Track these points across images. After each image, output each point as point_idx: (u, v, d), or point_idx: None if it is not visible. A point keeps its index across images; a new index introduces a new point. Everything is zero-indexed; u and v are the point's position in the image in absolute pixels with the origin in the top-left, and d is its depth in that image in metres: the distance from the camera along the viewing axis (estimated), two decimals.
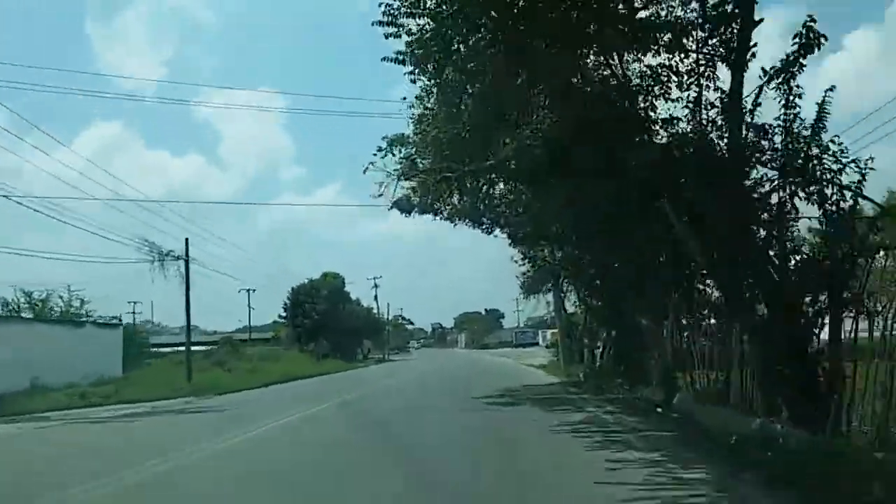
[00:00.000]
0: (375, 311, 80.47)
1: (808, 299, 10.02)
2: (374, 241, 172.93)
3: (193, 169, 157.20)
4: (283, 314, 69.59)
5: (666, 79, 11.98)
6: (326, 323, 66.75)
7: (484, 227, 22.67)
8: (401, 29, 10.93)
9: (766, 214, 10.89)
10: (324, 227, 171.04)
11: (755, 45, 10.65)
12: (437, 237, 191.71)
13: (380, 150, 17.17)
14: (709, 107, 11.43)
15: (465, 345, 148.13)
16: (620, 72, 12.35)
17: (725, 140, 11.10)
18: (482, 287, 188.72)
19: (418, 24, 10.72)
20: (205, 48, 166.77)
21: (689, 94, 11.74)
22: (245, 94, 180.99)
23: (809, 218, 10.27)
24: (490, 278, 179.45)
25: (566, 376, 27.64)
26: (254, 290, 71.38)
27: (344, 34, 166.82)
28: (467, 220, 21.99)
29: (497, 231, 22.86)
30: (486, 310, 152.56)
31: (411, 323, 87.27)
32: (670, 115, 12.06)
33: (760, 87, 10.43)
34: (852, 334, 9.53)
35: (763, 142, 10.62)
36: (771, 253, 10.61)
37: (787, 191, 10.33)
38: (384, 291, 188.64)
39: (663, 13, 11.67)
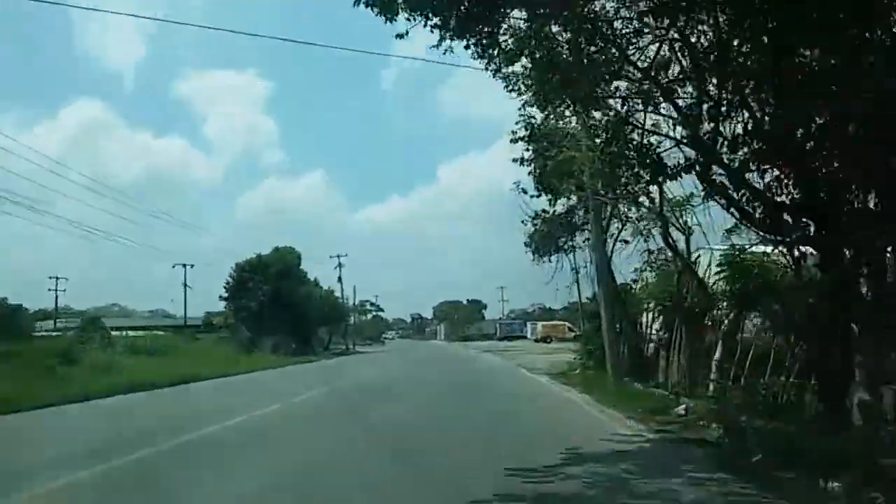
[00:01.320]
0: (339, 294, 68.93)
1: None
2: (354, 229, 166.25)
3: (176, 151, 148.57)
4: (225, 296, 57.74)
5: None
6: (275, 307, 55.16)
7: None
8: None
9: None
10: (305, 214, 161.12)
11: None
12: (418, 225, 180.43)
13: None
14: None
15: (445, 336, 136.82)
16: None
17: None
18: (465, 277, 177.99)
19: None
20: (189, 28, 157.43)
21: None
22: (230, 75, 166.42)
23: None
24: (474, 267, 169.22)
25: (641, 409, 12.34)
26: (191, 266, 59.16)
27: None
28: None
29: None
30: (467, 300, 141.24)
31: (380, 309, 74.51)
32: None
33: None
34: None
35: None
36: None
37: None
38: (363, 278, 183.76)
39: None
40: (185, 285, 58.48)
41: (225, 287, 57.66)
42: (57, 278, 66.93)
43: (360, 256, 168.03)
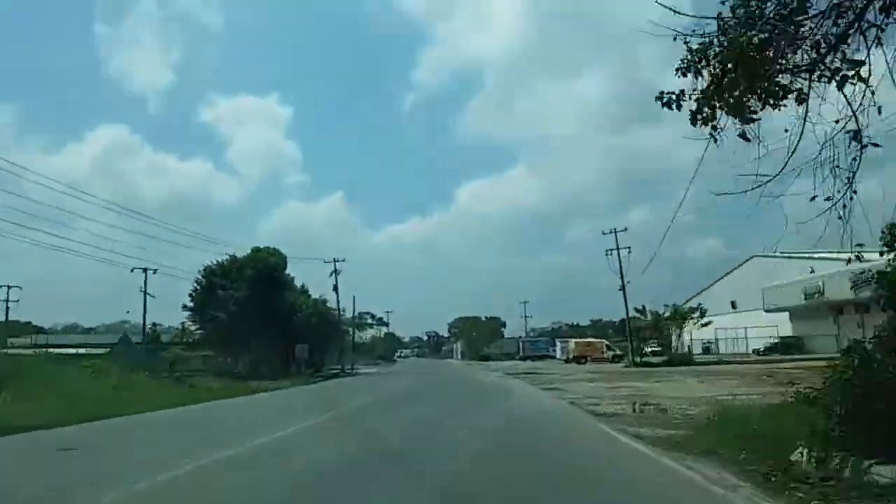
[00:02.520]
0: (336, 306, 58.14)
1: None
2: (372, 250, 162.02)
3: (199, 174, 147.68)
4: (190, 305, 47.35)
5: None
6: (248, 319, 44.71)
7: None
8: None
9: None
10: (323, 237, 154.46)
11: None
12: (436, 244, 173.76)
13: None
14: None
15: (462, 355, 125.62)
16: None
17: None
18: (484, 297, 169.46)
19: None
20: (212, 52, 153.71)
21: None
22: (252, 100, 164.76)
23: None
24: (493, 287, 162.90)
25: None
26: (154, 271, 48.83)
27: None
28: None
29: None
30: (486, 317, 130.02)
31: (383, 323, 62.35)
32: None
33: None
34: None
35: None
36: None
37: None
38: (380, 297, 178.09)
39: None
40: (146, 293, 48.07)
41: (190, 295, 47.37)
42: (8, 287, 56.87)
43: (378, 275, 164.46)
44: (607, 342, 65.97)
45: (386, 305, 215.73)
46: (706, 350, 76.82)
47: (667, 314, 48.00)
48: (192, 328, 47.97)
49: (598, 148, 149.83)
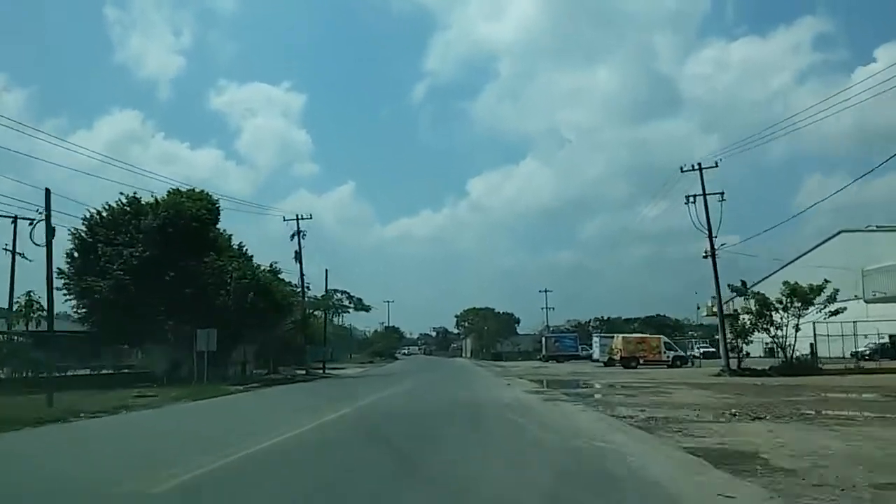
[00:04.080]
0: (300, 284, 41.96)
1: None
2: (380, 245, 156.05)
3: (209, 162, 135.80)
4: (67, 268, 31.59)
5: None
6: (147, 291, 29.15)
7: None
8: None
9: None
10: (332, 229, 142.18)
11: None
12: (445, 236, 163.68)
13: None
14: None
15: (472, 353, 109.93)
16: None
17: None
18: (496, 293, 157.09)
19: None
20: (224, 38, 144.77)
21: None
22: (265, 87, 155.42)
23: None
24: (506, 283, 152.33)
25: None
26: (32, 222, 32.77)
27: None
28: None
29: None
30: (499, 312, 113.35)
31: (364, 307, 45.15)
32: None
33: None
34: None
35: None
36: None
37: None
38: (390, 293, 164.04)
39: None
40: (14, 252, 32.40)
41: (67, 256, 31.63)
42: None
43: (386, 269, 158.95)
44: (666, 338, 49.71)
45: (394, 300, 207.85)
46: (771, 353, 60.74)
47: (781, 296, 31.30)
48: (74, 305, 32.36)
49: (616, 140, 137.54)
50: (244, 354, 37.89)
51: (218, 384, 26.21)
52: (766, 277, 72.92)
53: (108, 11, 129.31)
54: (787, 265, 60.26)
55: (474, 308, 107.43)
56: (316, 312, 45.27)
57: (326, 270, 46.47)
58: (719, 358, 54.49)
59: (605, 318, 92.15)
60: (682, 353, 48.31)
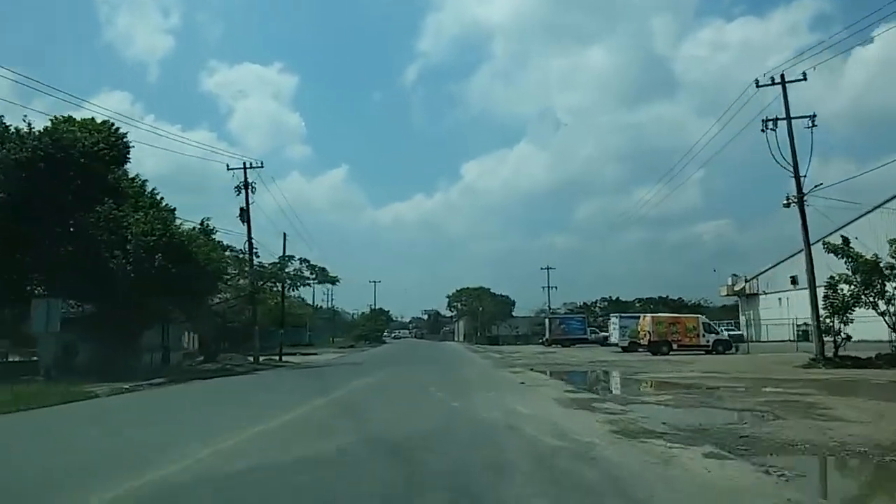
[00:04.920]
0: (248, 251, 32.29)
1: None
2: (373, 229, 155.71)
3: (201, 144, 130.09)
4: None
5: None
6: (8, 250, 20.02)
7: None
8: None
9: None
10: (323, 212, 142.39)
11: None
12: (440, 222, 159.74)
13: None
14: None
15: (465, 336, 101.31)
16: None
17: None
18: (490, 276, 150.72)
19: None
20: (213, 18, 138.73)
21: None
22: (256, 68, 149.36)
23: None
24: (499, 267, 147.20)
25: None
26: None
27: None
28: None
29: None
30: (495, 293, 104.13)
31: (330, 279, 35.34)
32: None
33: None
34: None
35: None
36: None
37: None
38: (383, 276, 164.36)
39: None
40: None
41: None
42: None
43: (380, 254, 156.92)
44: (705, 318, 40.80)
45: (386, 284, 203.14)
46: (804, 336, 52.24)
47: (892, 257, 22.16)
48: None
49: (611, 123, 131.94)
50: (167, 338, 28.81)
51: (87, 381, 17.16)
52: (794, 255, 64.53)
53: None
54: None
55: (467, 288, 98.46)
56: (270, 286, 36.03)
57: (284, 234, 37.26)
58: (745, 342, 46.80)
59: (614, 298, 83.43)
60: (725, 337, 39.49)
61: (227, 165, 33.57)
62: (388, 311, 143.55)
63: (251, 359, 33.00)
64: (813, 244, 25.43)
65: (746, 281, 72.55)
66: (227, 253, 30.76)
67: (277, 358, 37.27)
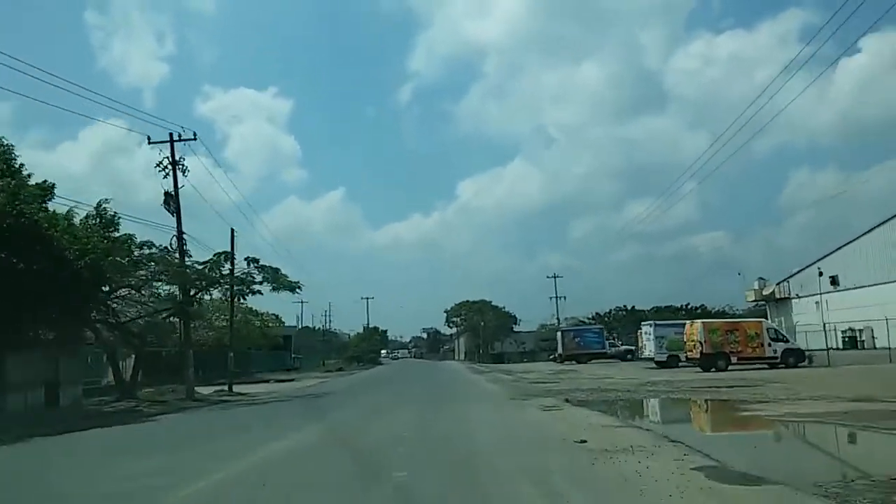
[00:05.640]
0: (178, 242, 23.86)
1: None
2: (371, 250, 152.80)
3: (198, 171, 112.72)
4: None
5: None
6: None
7: None
8: None
9: None
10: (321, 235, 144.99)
11: None
12: (438, 241, 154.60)
13: None
14: None
15: (466, 354, 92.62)
16: None
17: None
18: (490, 294, 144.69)
19: None
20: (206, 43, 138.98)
21: None
22: (251, 93, 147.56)
23: None
24: (499, 284, 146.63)
25: None
26: None
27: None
28: None
29: None
30: (496, 306, 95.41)
31: (289, 285, 27.04)
32: None
33: None
34: None
35: None
36: None
37: None
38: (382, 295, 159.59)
39: None
40: None
41: None
42: None
43: (379, 275, 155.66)
44: (769, 322, 32.41)
45: (385, 305, 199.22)
46: (851, 343, 44.78)
47: None
48: None
49: (604, 137, 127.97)
50: (56, 369, 20.51)
51: None
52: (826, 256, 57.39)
53: (88, 17, 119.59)
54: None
55: (467, 301, 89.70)
56: (212, 296, 27.73)
57: (232, 230, 28.94)
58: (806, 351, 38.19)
59: (630, 307, 74.88)
60: (796, 346, 31.23)
61: (149, 138, 25.48)
62: (386, 331, 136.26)
63: (182, 396, 24.61)
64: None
65: (777, 284, 64.95)
66: (146, 251, 22.49)
67: (227, 388, 28.97)
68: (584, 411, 14.23)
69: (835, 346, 39.82)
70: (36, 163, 69.85)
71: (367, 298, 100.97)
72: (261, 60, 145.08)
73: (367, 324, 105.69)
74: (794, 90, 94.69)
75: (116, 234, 21.73)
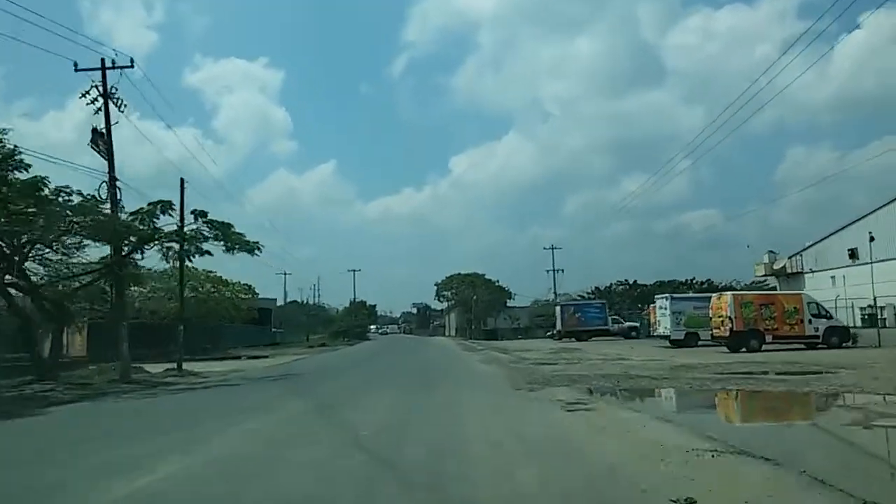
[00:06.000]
0: (109, 189, 19.58)
1: None
2: (362, 224, 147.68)
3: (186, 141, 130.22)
4: None
5: None
6: None
7: None
8: None
9: None
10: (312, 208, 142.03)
11: None
12: (430, 216, 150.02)
13: None
14: None
15: (457, 329, 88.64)
16: None
17: None
18: (483, 266, 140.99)
19: None
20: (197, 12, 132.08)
21: None
22: (241, 63, 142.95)
23: None
24: (491, 260, 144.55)
25: None
26: None
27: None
28: None
29: None
30: (490, 279, 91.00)
31: (246, 245, 22.72)
32: None
33: None
34: None
35: None
36: None
37: None
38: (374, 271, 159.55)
39: None
40: None
41: None
42: None
43: (369, 248, 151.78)
44: (810, 296, 28.07)
45: (376, 279, 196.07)
46: (871, 321, 40.96)
47: None
48: None
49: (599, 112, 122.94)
50: None
51: None
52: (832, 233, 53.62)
53: None
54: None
55: (459, 274, 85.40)
56: (146, 249, 22.96)
57: (182, 179, 24.25)
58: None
59: (632, 281, 70.80)
60: (841, 323, 27.19)
61: (75, 65, 20.71)
62: (374, 306, 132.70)
63: (115, 377, 20.20)
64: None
65: (789, 258, 61.12)
66: (63, 199, 17.90)
67: (176, 367, 24.59)
68: (629, 414, 9.83)
69: (853, 325, 36.40)
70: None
71: (354, 271, 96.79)
72: (252, 31, 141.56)
73: (354, 297, 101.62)
74: (794, 67, 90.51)
75: (22, 176, 17.22)
